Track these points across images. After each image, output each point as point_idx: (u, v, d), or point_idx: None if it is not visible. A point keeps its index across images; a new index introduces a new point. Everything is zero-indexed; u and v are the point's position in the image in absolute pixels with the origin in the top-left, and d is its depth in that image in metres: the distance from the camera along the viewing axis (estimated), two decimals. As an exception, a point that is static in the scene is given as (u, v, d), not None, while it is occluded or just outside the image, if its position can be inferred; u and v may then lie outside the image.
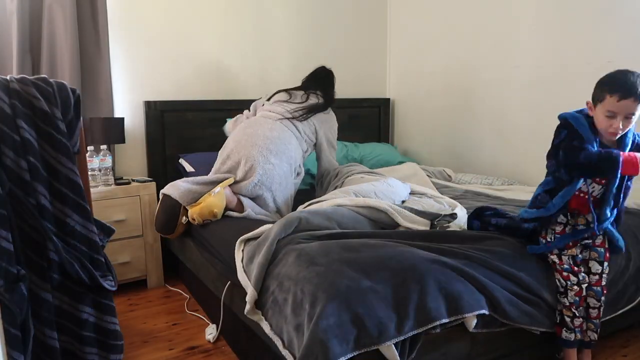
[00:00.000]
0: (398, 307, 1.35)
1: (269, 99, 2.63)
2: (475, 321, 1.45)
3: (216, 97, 3.15)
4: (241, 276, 1.67)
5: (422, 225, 1.91)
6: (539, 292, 1.60)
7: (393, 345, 1.30)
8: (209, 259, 2.08)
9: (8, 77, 1.20)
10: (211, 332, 2.09)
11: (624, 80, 1.48)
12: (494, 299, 1.48)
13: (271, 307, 1.49)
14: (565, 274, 1.63)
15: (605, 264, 1.68)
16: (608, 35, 2.43)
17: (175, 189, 2.25)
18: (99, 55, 2.68)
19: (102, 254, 1.39)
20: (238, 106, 3.07)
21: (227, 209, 2.20)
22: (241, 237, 1.82)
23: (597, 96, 1.56)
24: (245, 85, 3.26)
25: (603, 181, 1.60)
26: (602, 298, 1.66)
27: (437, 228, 1.92)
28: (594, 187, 1.61)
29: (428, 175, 3.04)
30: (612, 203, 1.62)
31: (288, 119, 2.44)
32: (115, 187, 2.56)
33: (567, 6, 2.60)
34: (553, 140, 1.63)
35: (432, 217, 1.95)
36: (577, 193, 1.62)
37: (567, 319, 1.62)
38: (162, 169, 2.95)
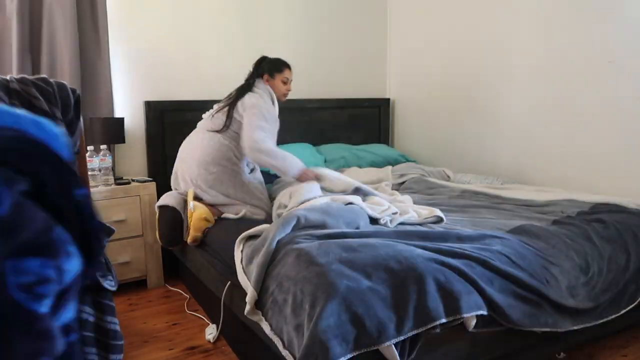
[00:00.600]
0: (398, 307, 1.35)
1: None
2: (474, 321, 1.45)
3: (216, 97, 3.15)
4: (241, 277, 1.67)
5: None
6: (540, 292, 1.59)
7: (393, 346, 1.30)
8: (209, 259, 2.08)
9: (8, 77, 1.20)
10: (211, 332, 2.09)
11: None
12: (494, 300, 1.48)
13: (271, 307, 1.49)
14: None
15: None
16: (608, 35, 2.43)
17: (170, 197, 2.35)
18: (99, 55, 2.68)
19: (102, 254, 1.38)
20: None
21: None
22: (240, 236, 1.82)
23: None
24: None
25: None
26: None
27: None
28: None
29: (424, 175, 3.04)
30: None
31: (213, 129, 2.39)
32: (115, 187, 2.56)
33: (567, 6, 2.60)
34: None
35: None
36: None
37: None
38: (162, 169, 2.94)
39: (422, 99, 3.60)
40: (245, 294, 1.59)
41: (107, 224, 1.42)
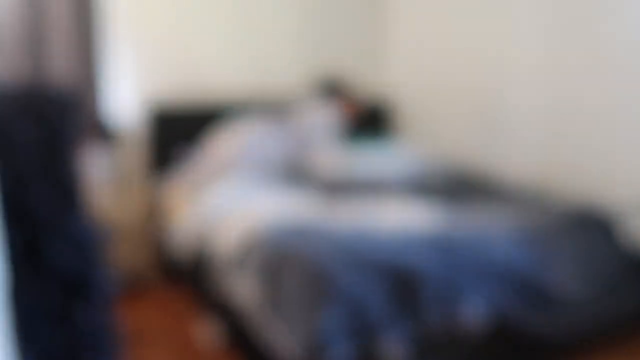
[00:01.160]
0: (397, 308, 1.35)
1: None
2: (474, 322, 1.45)
3: (216, 97, 3.15)
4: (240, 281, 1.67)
5: None
6: (541, 292, 1.59)
7: (393, 346, 1.30)
8: (209, 259, 2.08)
9: (8, 77, 1.20)
10: (211, 332, 2.09)
11: None
12: (494, 300, 1.48)
13: (271, 307, 1.49)
14: None
15: None
16: (609, 34, 2.43)
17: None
18: (99, 55, 2.68)
19: (102, 254, 1.39)
20: (238, 106, 3.08)
21: None
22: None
23: None
24: (246, 85, 3.26)
25: None
26: None
27: None
28: None
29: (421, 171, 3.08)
30: None
31: None
32: (115, 187, 2.56)
33: (567, 5, 2.60)
34: None
35: None
36: None
37: None
38: (162, 169, 2.94)
39: (423, 99, 3.60)
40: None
41: (107, 224, 1.42)
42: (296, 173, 2.64)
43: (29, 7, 2.50)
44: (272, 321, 1.48)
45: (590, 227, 1.97)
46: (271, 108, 3.09)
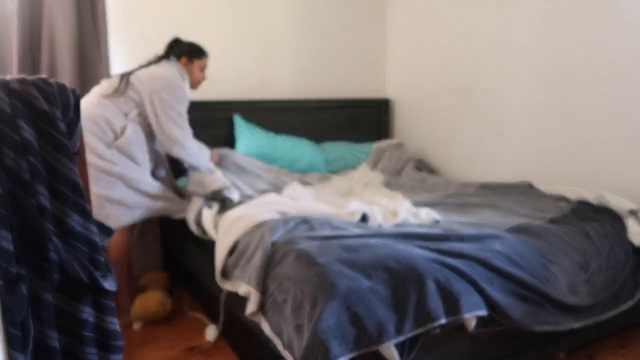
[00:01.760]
0: (397, 308, 1.35)
1: None
2: (474, 321, 1.45)
3: (216, 97, 3.15)
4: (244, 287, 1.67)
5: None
6: (540, 291, 1.59)
7: (393, 346, 1.30)
8: (209, 259, 2.08)
9: (8, 77, 1.20)
10: (211, 332, 2.09)
11: None
12: (494, 300, 1.48)
13: (271, 307, 1.49)
14: None
15: None
16: (609, 35, 2.43)
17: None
18: (99, 55, 2.67)
19: (102, 254, 1.39)
20: (238, 106, 3.07)
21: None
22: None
23: None
24: (246, 85, 3.26)
25: None
26: None
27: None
28: None
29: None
30: None
31: None
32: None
33: (567, 6, 2.60)
34: None
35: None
36: None
37: None
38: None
39: (422, 99, 3.60)
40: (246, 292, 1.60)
41: (107, 224, 1.42)
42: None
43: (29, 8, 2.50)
44: (272, 321, 1.48)
45: (592, 225, 1.97)
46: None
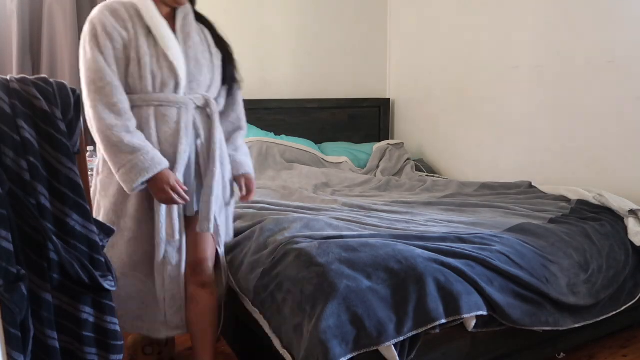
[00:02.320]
0: (397, 308, 1.35)
1: None
2: (474, 321, 1.45)
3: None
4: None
5: None
6: (540, 291, 1.59)
7: (392, 346, 1.30)
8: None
9: (8, 77, 1.20)
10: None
11: None
12: (494, 300, 1.48)
13: (271, 307, 1.49)
14: None
15: None
16: (608, 34, 2.43)
17: None
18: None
19: (102, 254, 1.39)
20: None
21: None
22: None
23: None
24: (245, 85, 3.26)
25: None
26: None
27: None
28: None
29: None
30: None
31: None
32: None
33: (567, 6, 2.60)
34: None
35: None
36: None
37: None
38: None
39: (422, 99, 3.60)
40: (245, 294, 1.59)
41: (107, 224, 1.42)
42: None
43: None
44: (272, 321, 1.48)
45: (592, 225, 1.97)
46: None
